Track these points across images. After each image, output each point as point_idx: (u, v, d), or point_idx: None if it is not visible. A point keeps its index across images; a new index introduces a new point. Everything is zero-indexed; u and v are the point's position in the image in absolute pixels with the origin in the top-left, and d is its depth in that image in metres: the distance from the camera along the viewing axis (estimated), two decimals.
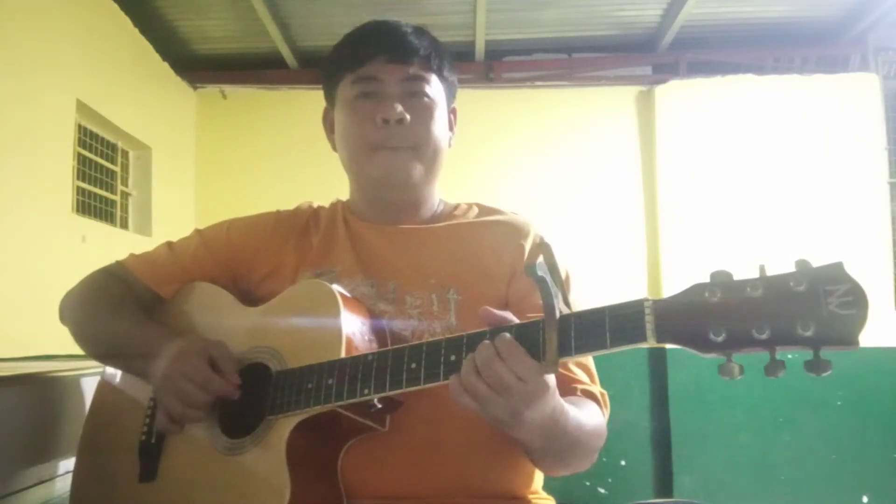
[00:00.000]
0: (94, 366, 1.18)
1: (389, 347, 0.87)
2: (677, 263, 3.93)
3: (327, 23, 3.83)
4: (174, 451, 0.99)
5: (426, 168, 1.08)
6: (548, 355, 0.74)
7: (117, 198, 3.50)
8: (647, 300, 0.71)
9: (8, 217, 2.43)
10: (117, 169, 3.52)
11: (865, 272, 0.76)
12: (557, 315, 0.74)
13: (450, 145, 1.13)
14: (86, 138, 3.20)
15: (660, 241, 4.04)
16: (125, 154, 3.62)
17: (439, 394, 0.82)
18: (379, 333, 0.97)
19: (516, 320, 0.81)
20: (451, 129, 1.14)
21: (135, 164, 3.68)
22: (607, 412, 1.01)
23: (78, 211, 3.06)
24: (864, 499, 3.77)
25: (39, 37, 2.65)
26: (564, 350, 0.74)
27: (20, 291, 2.41)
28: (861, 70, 4.11)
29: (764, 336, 0.65)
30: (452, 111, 1.16)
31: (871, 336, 0.70)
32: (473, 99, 3.81)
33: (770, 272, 0.67)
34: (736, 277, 0.68)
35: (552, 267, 0.75)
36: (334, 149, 1.15)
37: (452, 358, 0.80)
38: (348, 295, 0.97)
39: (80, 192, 3.13)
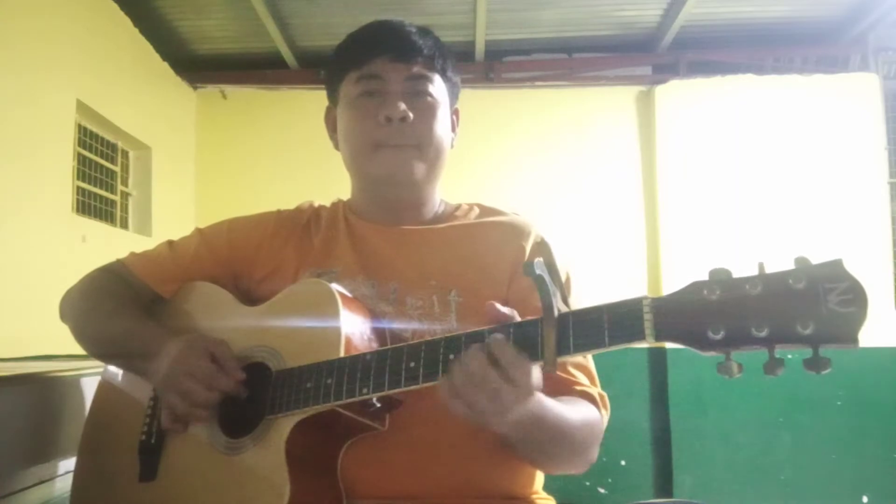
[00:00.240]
0: (94, 366, 1.18)
1: (388, 347, 0.87)
2: (677, 262, 3.93)
3: (327, 23, 3.83)
4: (174, 450, 0.99)
5: (428, 167, 1.07)
6: (546, 354, 0.74)
7: (117, 198, 3.50)
8: (645, 298, 0.71)
9: (8, 217, 2.43)
10: (117, 169, 3.52)
11: (865, 272, 0.75)
12: (556, 314, 0.74)
13: (452, 146, 1.13)
14: (86, 138, 3.20)
15: (660, 240, 4.04)
16: (125, 154, 3.62)
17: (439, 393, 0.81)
18: (379, 334, 0.97)
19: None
20: (453, 129, 1.14)
21: (135, 164, 3.68)
22: (607, 413, 1.00)
23: (78, 211, 3.06)
24: (864, 499, 3.77)
25: (39, 37, 2.65)
26: (563, 348, 0.74)
27: (20, 291, 2.41)
28: (861, 70, 4.11)
29: (763, 334, 0.65)
30: (455, 112, 1.16)
31: (871, 336, 0.70)
32: (474, 99, 3.80)
33: (769, 270, 0.66)
34: (735, 275, 0.68)
35: (551, 266, 0.74)
36: (336, 148, 1.14)
37: (451, 357, 0.79)
38: (348, 295, 0.97)
39: (80, 192, 3.13)
